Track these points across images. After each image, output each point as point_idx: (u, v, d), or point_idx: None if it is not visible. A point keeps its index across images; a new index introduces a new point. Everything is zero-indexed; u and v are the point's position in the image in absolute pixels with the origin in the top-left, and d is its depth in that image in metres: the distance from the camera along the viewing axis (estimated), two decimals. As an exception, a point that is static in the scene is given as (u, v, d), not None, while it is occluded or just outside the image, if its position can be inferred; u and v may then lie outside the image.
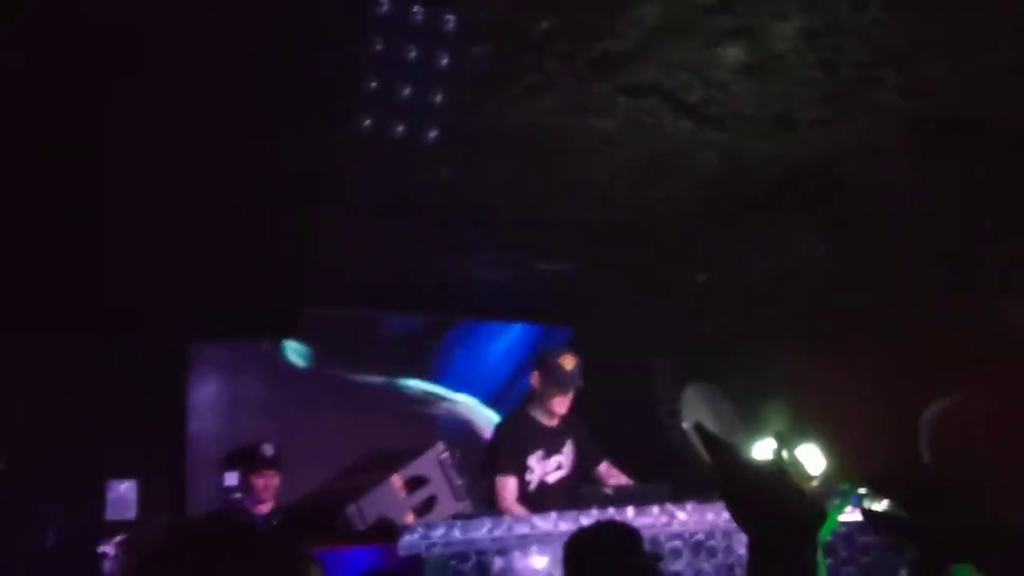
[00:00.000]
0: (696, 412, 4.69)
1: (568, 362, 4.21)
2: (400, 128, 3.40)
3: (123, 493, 4.90)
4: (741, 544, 3.44)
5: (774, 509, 1.29)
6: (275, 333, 5.13)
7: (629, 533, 2.63)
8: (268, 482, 4.49)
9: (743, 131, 4.27)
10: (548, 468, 4.20)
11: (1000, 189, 4.30)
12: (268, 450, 4.52)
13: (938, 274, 4.93)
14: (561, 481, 4.22)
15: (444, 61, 3.25)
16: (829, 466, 4.58)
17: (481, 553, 2.87)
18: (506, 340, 6.03)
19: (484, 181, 4.56)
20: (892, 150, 4.34)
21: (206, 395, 5.40)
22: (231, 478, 4.39)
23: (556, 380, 4.17)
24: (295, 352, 5.41)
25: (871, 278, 5.08)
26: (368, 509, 3.59)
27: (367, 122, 3.25)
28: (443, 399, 5.64)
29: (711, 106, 4.09)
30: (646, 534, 3.29)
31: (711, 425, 4.76)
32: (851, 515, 3.62)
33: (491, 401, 5.89)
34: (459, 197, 4.64)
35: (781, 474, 1.35)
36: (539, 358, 4.35)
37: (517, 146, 4.29)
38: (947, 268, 4.91)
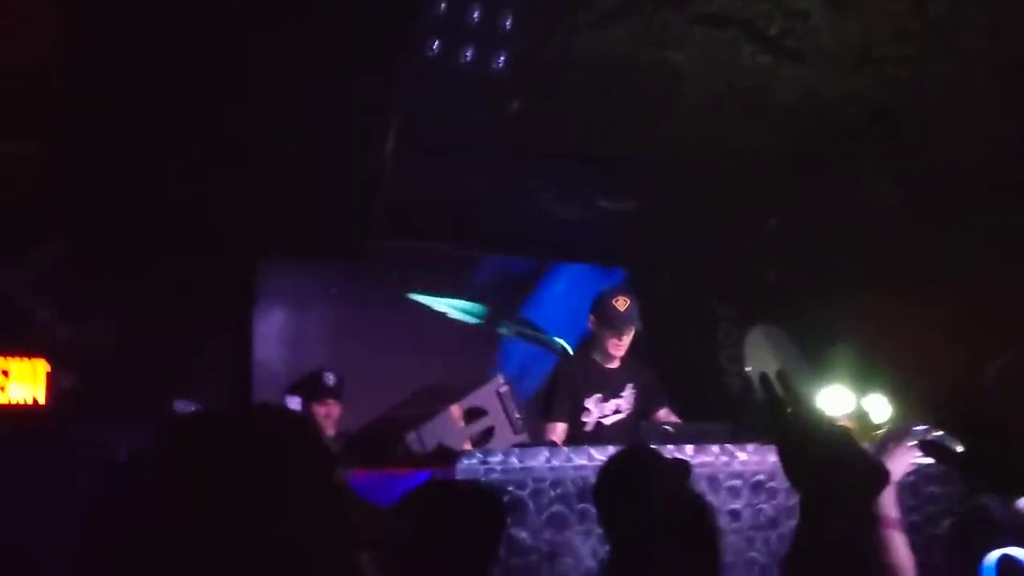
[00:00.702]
0: (761, 355, 4.61)
1: (622, 303, 4.15)
2: (468, 54, 3.34)
3: (190, 414, 5.03)
4: (802, 487, 3.39)
5: (834, 472, 1.22)
6: (342, 258, 5.17)
7: (673, 464, 2.54)
8: (329, 411, 4.53)
9: (823, 66, 4.11)
10: (606, 411, 4.17)
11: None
12: (330, 379, 4.56)
13: (1015, 222, 4.72)
14: (619, 424, 4.19)
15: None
16: (896, 415, 4.48)
17: (539, 480, 2.87)
18: (568, 280, 5.97)
19: (552, 114, 4.48)
20: (976, 93, 4.14)
21: (273, 321, 5.49)
22: (293, 403, 4.45)
23: (611, 322, 4.11)
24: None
25: (946, 224, 4.89)
26: (427, 437, 3.62)
27: (435, 46, 3.19)
28: (507, 334, 5.63)
29: (790, 39, 3.94)
30: (704, 472, 3.26)
31: (775, 370, 4.66)
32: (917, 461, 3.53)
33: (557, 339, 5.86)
34: (526, 131, 4.57)
35: (847, 436, 1.27)
36: (595, 300, 4.30)
37: (587, 78, 4.20)
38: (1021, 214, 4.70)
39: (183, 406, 5.09)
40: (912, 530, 3.52)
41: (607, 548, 2.50)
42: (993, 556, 2.37)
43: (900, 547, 2.23)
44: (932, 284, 4.90)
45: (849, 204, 4.91)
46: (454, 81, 3.65)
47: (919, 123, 4.53)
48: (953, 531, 2.57)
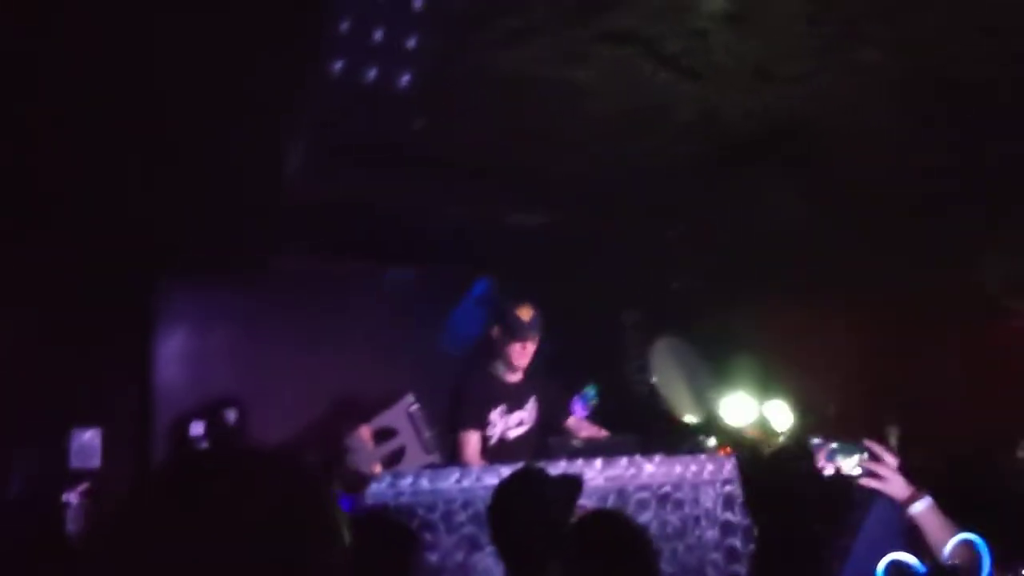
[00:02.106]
0: (665, 366, 4.70)
1: (526, 313, 4.19)
2: (372, 73, 3.30)
3: (88, 441, 4.84)
4: (708, 497, 3.47)
5: (790, 500, 1.26)
6: (245, 278, 5.04)
7: (557, 483, 2.56)
8: None
9: (722, 84, 4.20)
10: (510, 424, 4.19)
11: (979, 151, 4.28)
12: (231, 416, 4.46)
13: (914, 233, 4.94)
14: (523, 437, 4.21)
15: (419, 3, 3.15)
16: (796, 422, 4.63)
17: (449, 502, 2.86)
18: (472, 293, 5.96)
19: (458, 130, 4.47)
20: (875, 108, 4.30)
21: (175, 341, 5.32)
22: (197, 427, 4.34)
23: (515, 331, 4.15)
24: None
25: (847, 236, 5.08)
26: (336, 459, 3.57)
27: (337, 65, 3.15)
28: (415, 351, 5.59)
29: (688, 57, 4.01)
30: (613, 486, 3.31)
31: (679, 380, 4.78)
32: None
33: (461, 354, 5.83)
34: (432, 146, 4.55)
35: (803, 462, 1.31)
36: (498, 311, 4.32)
37: (493, 95, 4.20)
38: (924, 228, 4.92)
39: (81, 433, 4.91)
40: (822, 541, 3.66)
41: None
42: (883, 562, 2.48)
43: (928, 513, 2.35)
44: (833, 295, 5.09)
45: (752, 216, 5.06)
46: (359, 99, 3.60)
47: (820, 138, 4.68)
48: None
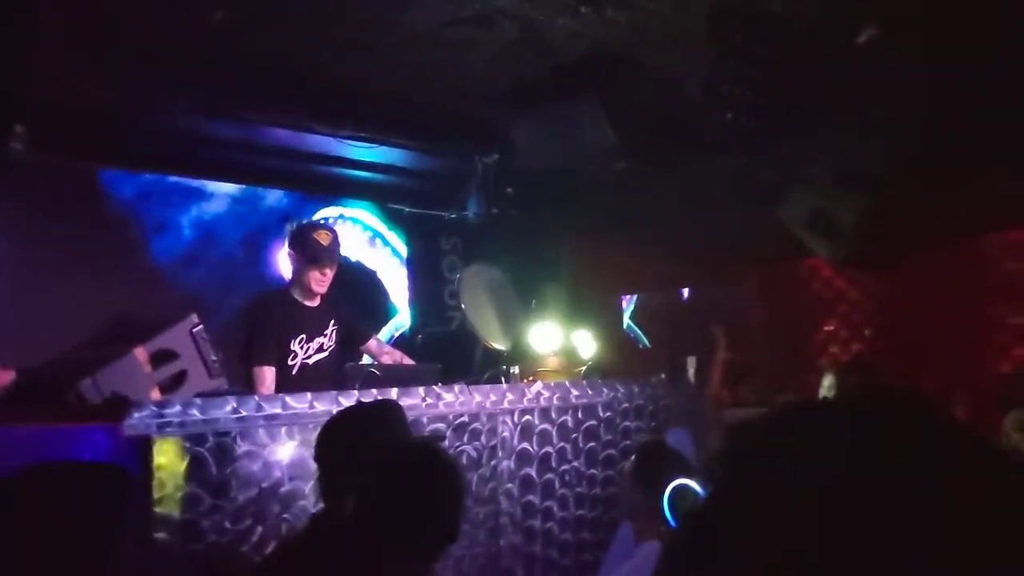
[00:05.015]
0: (475, 294, 4.59)
1: (324, 237, 3.96)
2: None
3: None
4: (506, 427, 3.41)
5: None
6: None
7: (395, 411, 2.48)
8: None
9: (542, 4, 4.06)
10: (310, 350, 3.98)
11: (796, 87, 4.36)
12: None
13: (726, 170, 5.03)
14: (323, 362, 4.02)
15: None
16: (600, 350, 4.67)
17: (222, 435, 2.61)
18: (262, 207, 5.56)
19: (260, 31, 4.09)
20: (694, 39, 4.28)
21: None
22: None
23: (313, 257, 3.91)
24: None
25: (661, 169, 5.12)
26: (105, 383, 3.22)
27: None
28: (194, 267, 5.17)
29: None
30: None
31: (488, 307, 4.67)
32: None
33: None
34: (233, 47, 4.15)
35: None
36: (294, 234, 4.06)
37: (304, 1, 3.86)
38: (736, 165, 5.02)
39: None
40: (607, 462, 3.68)
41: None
42: (670, 486, 2.49)
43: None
44: (640, 225, 5.14)
45: (567, 144, 4.99)
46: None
47: (637, 67, 4.64)
48: (635, 462, 2.69)
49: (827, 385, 3.82)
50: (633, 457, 2.75)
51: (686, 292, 7.83)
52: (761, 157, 4.85)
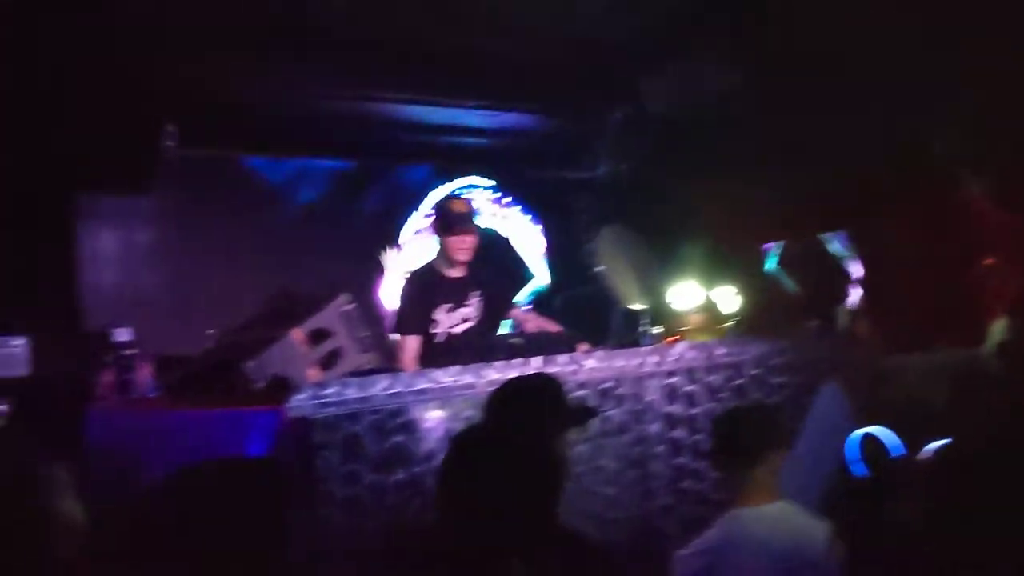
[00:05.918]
0: (612, 254, 4.56)
1: (459, 205, 4.02)
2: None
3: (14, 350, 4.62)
4: (650, 391, 3.39)
5: None
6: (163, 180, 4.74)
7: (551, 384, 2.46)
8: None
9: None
10: (455, 320, 4.06)
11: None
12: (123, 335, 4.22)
13: (858, 106, 4.76)
14: (469, 333, 4.09)
15: None
16: (745, 306, 4.55)
17: (376, 412, 2.73)
18: (407, 186, 5.71)
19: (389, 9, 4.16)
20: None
21: (100, 244, 5.06)
22: (122, 333, 4.13)
23: (451, 225, 3.98)
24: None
25: (790, 112, 4.89)
26: (268, 364, 3.41)
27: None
28: (344, 247, 5.36)
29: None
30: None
31: (628, 267, 4.63)
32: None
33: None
34: (356, 30, 4.25)
35: None
36: (433, 207, 4.14)
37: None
38: (870, 99, 4.74)
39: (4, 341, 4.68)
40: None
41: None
42: (857, 434, 2.40)
43: None
44: (775, 173, 4.93)
45: (695, 90, 4.83)
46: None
47: (764, 10, 4.45)
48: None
49: (999, 330, 3.58)
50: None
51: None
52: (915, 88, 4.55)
